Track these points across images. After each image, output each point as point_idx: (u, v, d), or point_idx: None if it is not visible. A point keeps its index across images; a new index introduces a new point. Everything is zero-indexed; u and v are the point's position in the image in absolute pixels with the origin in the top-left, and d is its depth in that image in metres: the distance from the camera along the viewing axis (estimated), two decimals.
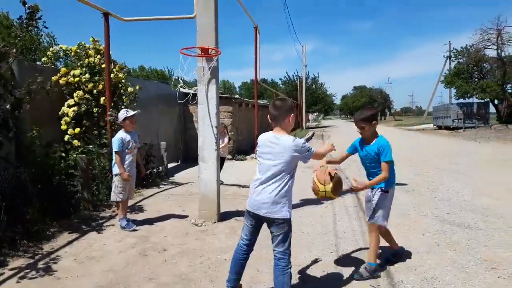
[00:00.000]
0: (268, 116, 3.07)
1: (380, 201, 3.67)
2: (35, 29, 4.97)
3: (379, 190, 3.67)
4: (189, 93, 11.15)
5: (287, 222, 2.95)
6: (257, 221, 3.05)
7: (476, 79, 32.13)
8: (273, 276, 3.00)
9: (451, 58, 39.71)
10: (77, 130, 6.95)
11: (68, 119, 6.99)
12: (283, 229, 2.94)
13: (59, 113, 7.03)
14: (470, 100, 32.65)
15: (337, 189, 3.46)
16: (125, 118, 5.27)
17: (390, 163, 3.54)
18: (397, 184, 8.06)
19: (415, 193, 7.32)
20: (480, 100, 31.48)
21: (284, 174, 2.91)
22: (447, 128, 32.15)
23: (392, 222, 5.44)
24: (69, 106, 7.07)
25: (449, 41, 47.17)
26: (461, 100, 33.04)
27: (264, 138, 3.03)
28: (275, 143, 2.92)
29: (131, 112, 5.33)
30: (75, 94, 7.14)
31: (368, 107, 3.95)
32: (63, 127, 6.96)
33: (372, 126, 3.61)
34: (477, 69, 31.93)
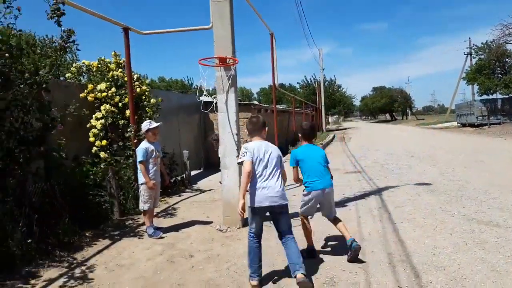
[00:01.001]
0: (247, 129, 3.90)
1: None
2: (70, 54, 5.23)
3: None
4: (210, 101, 11.29)
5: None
6: (264, 214, 3.67)
7: (498, 75, 31.34)
8: (287, 253, 3.60)
9: (472, 55, 38.90)
10: (104, 142, 7.16)
11: (96, 131, 7.22)
12: (287, 212, 3.71)
13: (87, 125, 7.25)
14: (494, 96, 31.88)
15: None
16: (148, 130, 5.40)
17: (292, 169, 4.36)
18: (421, 184, 8.05)
19: (440, 193, 7.21)
20: (504, 96, 30.70)
21: (280, 168, 3.73)
22: (471, 125, 31.42)
23: (419, 222, 5.39)
24: (97, 119, 7.29)
25: (469, 38, 45.97)
26: (485, 97, 32.31)
27: (258, 145, 3.71)
28: (269, 147, 3.75)
29: (154, 124, 5.47)
30: (102, 108, 7.36)
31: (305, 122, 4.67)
32: (91, 139, 7.18)
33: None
34: (499, 65, 31.15)
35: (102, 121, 7.28)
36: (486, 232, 4.83)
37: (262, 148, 3.68)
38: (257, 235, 3.67)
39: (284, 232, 3.65)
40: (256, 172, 3.62)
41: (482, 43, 32.73)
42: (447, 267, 3.84)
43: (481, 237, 4.66)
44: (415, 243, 4.55)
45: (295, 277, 3.41)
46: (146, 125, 5.46)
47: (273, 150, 3.74)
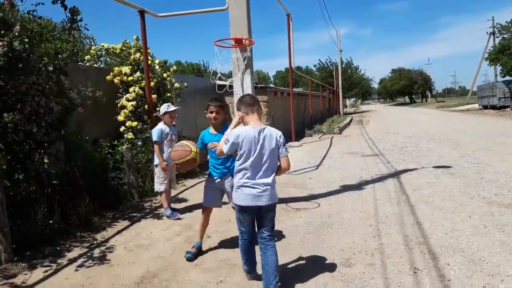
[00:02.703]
0: (241, 111, 3.17)
1: None
2: (77, 31, 5.24)
3: None
4: (226, 84, 11.26)
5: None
6: (254, 212, 3.17)
7: None
8: (262, 258, 3.13)
9: (495, 34, 37.64)
10: (135, 123, 7.32)
11: (127, 111, 7.39)
12: (274, 212, 3.22)
13: (119, 105, 7.46)
14: None
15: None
16: (166, 113, 5.46)
17: None
18: (440, 166, 7.93)
19: (460, 175, 7.09)
20: None
21: (274, 162, 3.10)
22: (493, 107, 30.64)
23: (437, 205, 5.33)
24: (128, 100, 7.44)
25: (492, 17, 44.28)
26: (508, 78, 31.34)
27: (249, 135, 3.03)
28: (265, 137, 3.04)
29: (172, 108, 5.52)
30: (131, 89, 7.49)
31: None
32: (120, 118, 7.36)
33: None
34: None
35: (134, 102, 7.42)
36: (506, 214, 4.75)
37: (253, 139, 3.02)
38: (248, 235, 3.28)
39: (265, 235, 3.16)
40: (242, 167, 3.07)
41: (506, 22, 31.67)
42: (465, 249, 3.81)
43: (501, 220, 4.59)
44: (433, 226, 4.51)
45: None
46: (164, 108, 5.52)
47: (269, 139, 3.04)
